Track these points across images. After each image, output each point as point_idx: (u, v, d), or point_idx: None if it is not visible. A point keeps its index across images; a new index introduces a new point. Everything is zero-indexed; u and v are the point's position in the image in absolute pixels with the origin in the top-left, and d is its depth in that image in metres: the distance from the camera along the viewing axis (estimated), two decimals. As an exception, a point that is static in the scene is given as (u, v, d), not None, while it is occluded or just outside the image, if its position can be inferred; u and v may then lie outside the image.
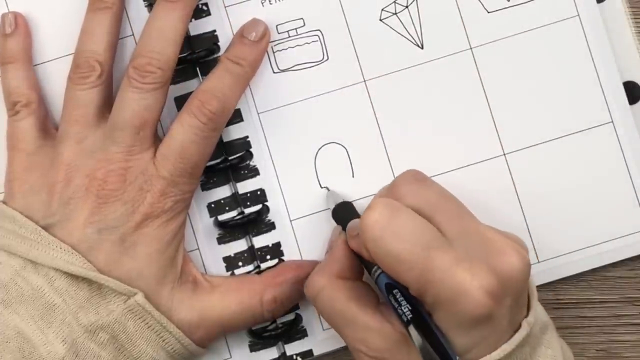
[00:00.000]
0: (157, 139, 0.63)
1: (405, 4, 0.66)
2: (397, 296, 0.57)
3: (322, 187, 0.66)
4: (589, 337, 0.68)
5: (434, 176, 0.65)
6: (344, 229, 0.63)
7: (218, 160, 0.65)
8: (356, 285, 0.61)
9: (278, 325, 0.66)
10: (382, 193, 0.64)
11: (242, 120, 0.66)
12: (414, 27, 0.66)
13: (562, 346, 0.61)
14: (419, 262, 0.55)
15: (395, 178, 0.63)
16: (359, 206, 0.64)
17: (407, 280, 0.56)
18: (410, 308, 0.56)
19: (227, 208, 0.66)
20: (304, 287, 0.63)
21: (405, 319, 0.56)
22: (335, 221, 0.65)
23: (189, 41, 0.65)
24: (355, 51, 0.66)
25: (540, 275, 0.66)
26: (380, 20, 0.66)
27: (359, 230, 0.58)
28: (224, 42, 0.65)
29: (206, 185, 0.66)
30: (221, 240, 0.66)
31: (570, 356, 0.62)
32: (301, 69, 0.66)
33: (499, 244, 0.57)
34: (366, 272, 0.61)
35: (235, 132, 0.66)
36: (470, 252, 0.56)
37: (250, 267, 0.66)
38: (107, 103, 0.63)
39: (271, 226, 0.66)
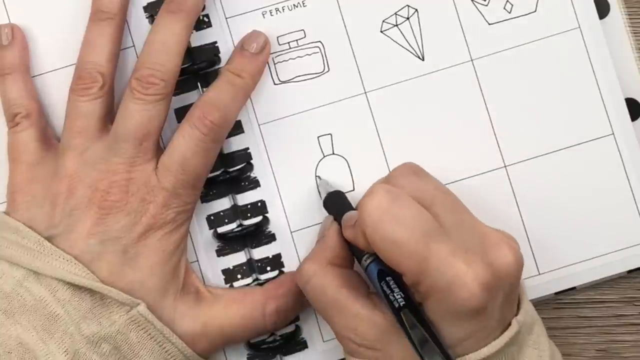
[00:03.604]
0: (159, 150, 0.63)
1: (406, 16, 0.66)
2: (390, 283, 0.57)
3: (316, 176, 0.66)
4: (588, 337, 0.68)
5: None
6: (335, 218, 0.63)
7: (218, 172, 0.65)
8: (347, 273, 0.61)
9: (277, 337, 0.66)
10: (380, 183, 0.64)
11: (242, 131, 0.66)
12: (415, 39, 0.66)
13: (550, 347, 0.60)
14: (417, 250, 0.55)
15: (392, 170, 0.62)
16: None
17: (404, 266, 0.56)
18: (402, 295, 0.56)
19: (226, 220, 0.66)
20: (295, 273, 0.62)
21: (397, 305, 0.56)
22: (327, 210, 0.64)
23: (190, 52, 0.65)
24: (356, 63, 0.66)
25: (540, 287, 0.66)
26: (381, 31, 0.66)
27: (358, 215, 0.57)
28: (225, 54, 0.65)
29: (206, 198, 0.66)
30: (220, 252, 0.66)
31: (559, 357, 0.61)
32: (302, 81, 0.66)
33: (494, 239, 0.57)
34: (357, 264, 0.61)
35: (235, 144, 0.66)
36: (466, 244, 0.56)
37: (249, 280, 0.66)
38: (109, 114, 0.63)
39: (272, 237, 0.66)
